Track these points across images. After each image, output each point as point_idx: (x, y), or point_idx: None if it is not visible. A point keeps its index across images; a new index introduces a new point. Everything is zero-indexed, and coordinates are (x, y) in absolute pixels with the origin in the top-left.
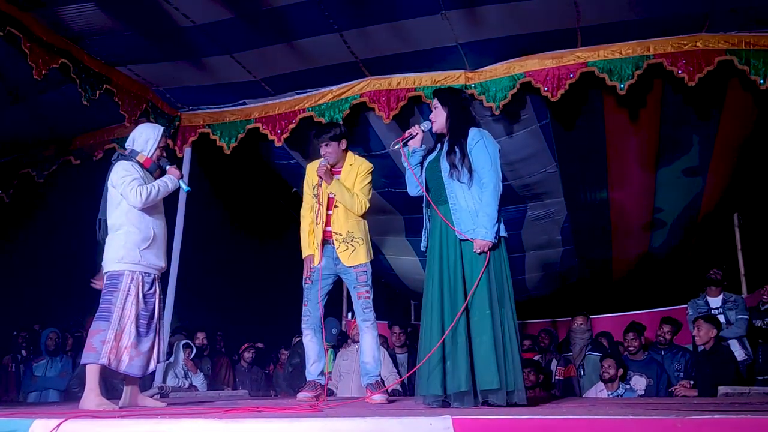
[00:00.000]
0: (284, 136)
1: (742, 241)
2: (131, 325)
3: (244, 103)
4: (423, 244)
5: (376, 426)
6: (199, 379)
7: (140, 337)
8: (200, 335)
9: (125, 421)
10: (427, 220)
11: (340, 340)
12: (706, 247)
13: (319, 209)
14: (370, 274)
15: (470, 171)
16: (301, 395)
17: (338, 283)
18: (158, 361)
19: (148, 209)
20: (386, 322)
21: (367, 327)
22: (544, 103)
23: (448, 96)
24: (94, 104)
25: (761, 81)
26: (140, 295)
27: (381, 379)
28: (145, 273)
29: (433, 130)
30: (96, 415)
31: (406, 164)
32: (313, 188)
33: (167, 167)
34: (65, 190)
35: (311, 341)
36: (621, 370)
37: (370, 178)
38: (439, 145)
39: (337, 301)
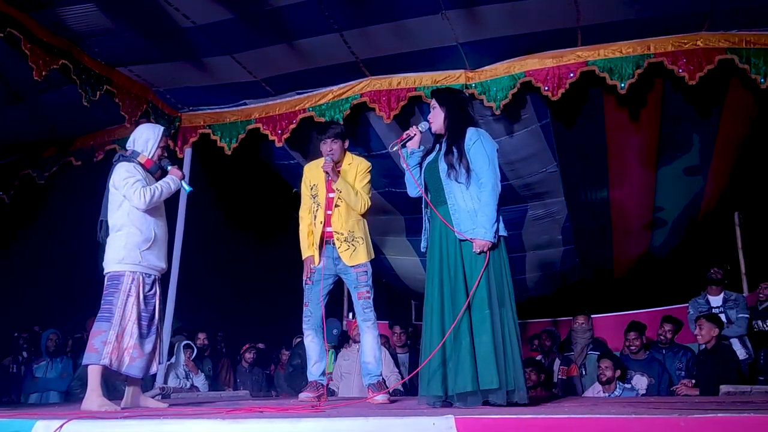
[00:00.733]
0: (285, 136)
1: (743, 239)
2: (133, 326)
3: (245, 104)
4: (423, 244)
5: (378, 426)
6: (200, 380)
7: (142, 338)
8: (201, 336)
9: (127, 421)
10: (427, 220)
11: (341, 340)
12: (707, 246)
13: (317, 210)
14: (371, 274)
15: (468, 171)
16: (302, 396)
17: (339, 284)
18: (159, 363)
19: (149, 210)
20: (387, 322)
21: (367, 327)
22: (545, 103)
23: (446, 96)
24: (95, 105)
25: (762, 80)
26: (141, 296)
27: (383, 379)
28: (145, 274)
29: (432, 130)
30: (98, 416)
31: (404, 166)
32: (311, 189)
33: (168, 168)
34: (66, 192)
35: (312, 341)
36: (619, 372)
37: (369, 177)
38: (437, 146)
39: (338, 301)
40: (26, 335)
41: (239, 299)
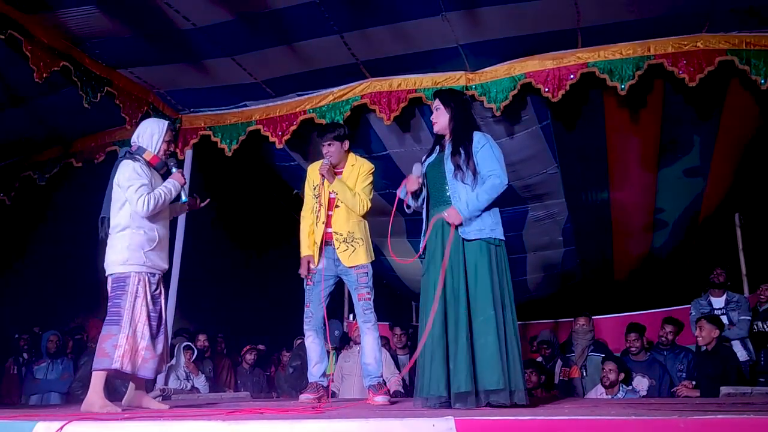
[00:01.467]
0: (285, 137)
1: (744, 241)
2: (143, 327)
3: (245, 105)
4: (421, 245)
5: (378, 427)
6: (200, 381)
7: (153, 338)
8: (201, 337)
9: (128, 423)
10: (426, 221)
11: (342, 341)
12: (708, 248)
13: (319, 210)
14: (371, 275)
15: (475, 174)
16: (303, 397)
17: (340, 285)
18: (167, 363)
19: None
20: (388, 323)
21: (368, 328)
22: (545, 104)
23: (450, 97)
24: (95, 107)
25: (762, 81)
26: (149, 295)
27: (383, 380)
28: (150, 273)
29: (434, 131)
30: (99, 417)
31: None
32: (314, 189)
33: (174, 170)
34: (67, 193)
35: (313, 342)
36: (623, 375)
37: (371, 179)
38: (438, 147)
39: (338, 302)
40: (27, 336)
41: (240, 301)
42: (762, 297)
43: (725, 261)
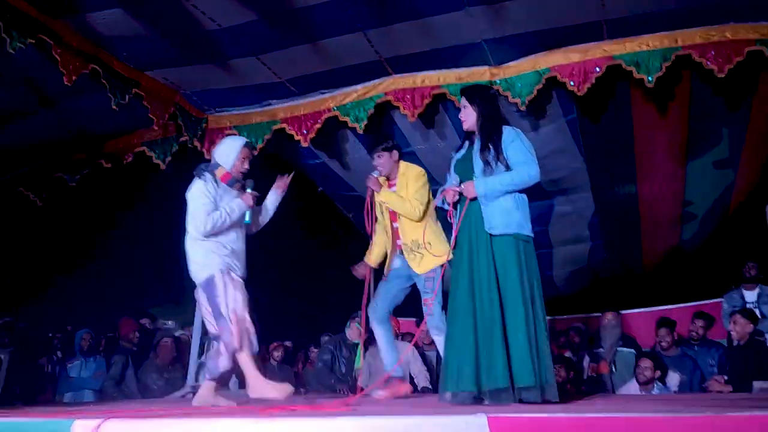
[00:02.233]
0: (310, 136)
1: None
2: (243, 311)
3: (270, 104)
4: (450, 242)
5: (410, 424)
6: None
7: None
8: None
9: (162, 421)
10: (456, 216)
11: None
12: (738, 240)
13: (387, 224)
14: (438, 279)
15: (507, 169)
16: (375, 392)
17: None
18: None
19: None
20: (415, 319)
21: (433, 334)
22: (571, 98)
23: (476, 94)
24: (123, 108)
25: None
26: (238, 284)
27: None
28: (231, 270)
29: (463, 128)
30: (134, 414)
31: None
32: (381, 204)
33: (248, 190)
34: (96, 194)
35: (377, 333)
36: (659, 372)
37: (421, 181)
38: (467, 143)
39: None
40: (60, 335)
41: (268, 298)
42: None
43: (755, 253)
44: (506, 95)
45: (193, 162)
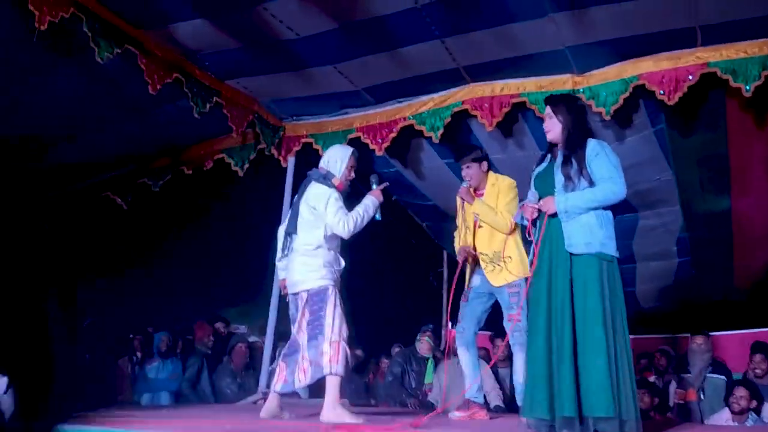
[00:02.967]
0: (385, 145)
1: None
2: (345, 332)
3: (346, 113)
4: (529, 258)
5: None
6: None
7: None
8: None
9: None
10: (536, 234)
11: (439, 353)
12: None
13: (467, 233)
14: (523, 294)
15: (591, 184)
16: (452, 414)
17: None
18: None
19: None
20: (489, 333)
21: (516, 350)
22: (659, 107)
23: (561, 103)
24: (204, 116)
25: None
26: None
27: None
28: (338, 289)
29: (548, 139)
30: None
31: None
32: (461, 211)
33: (374, 187)
34: (178, 199)
35: (465, 357)
36: (755, 402)
37: (512, 194)
38: (549, 155)
39: (437, 310)
40: (141, 337)
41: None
42: None
43: None
44: (589, 104)
45: (268, 169)
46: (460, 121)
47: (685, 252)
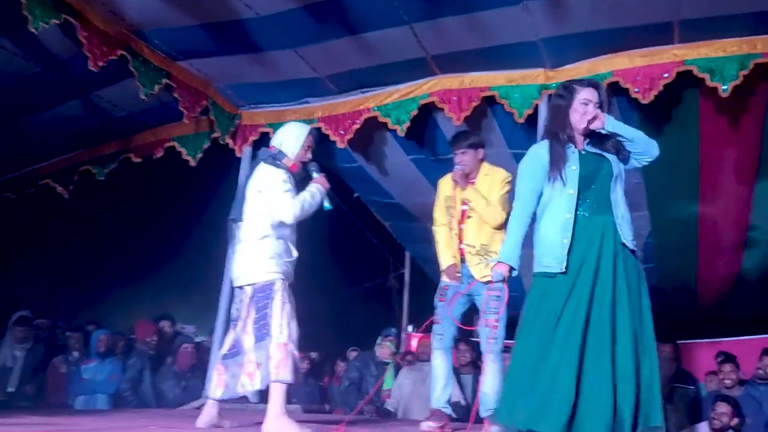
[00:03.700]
0: (347, 137)
1: None
2: (294, 333)
3: (307, 102)
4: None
5: None
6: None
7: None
8: None
9: None
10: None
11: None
12: None
13: (452, 223)
14: (505, 300)
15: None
16: (425, 425)
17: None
18: None
19: None
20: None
21: (491, 360)
22: (633, 106)
23: (602, 90)
24: (155, 100)
25: None
26: (291, 302)
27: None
28: (288, 283)
29: (595, 128)
30: None
31: None
32: (446, 200)
33: (316, 175)
34: (124, 189)
35: (441, 363)
36: (736, 420)
37: (507, 188)
38: (571, 146)
39: (396, 312)
40: (78, 334)
41: (296, 303)
42: None
43: None
44: None
45: (221, 159)
46: (427, 115)
47: (650, 258)
